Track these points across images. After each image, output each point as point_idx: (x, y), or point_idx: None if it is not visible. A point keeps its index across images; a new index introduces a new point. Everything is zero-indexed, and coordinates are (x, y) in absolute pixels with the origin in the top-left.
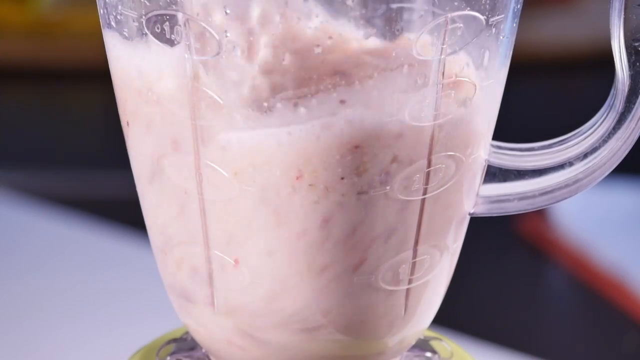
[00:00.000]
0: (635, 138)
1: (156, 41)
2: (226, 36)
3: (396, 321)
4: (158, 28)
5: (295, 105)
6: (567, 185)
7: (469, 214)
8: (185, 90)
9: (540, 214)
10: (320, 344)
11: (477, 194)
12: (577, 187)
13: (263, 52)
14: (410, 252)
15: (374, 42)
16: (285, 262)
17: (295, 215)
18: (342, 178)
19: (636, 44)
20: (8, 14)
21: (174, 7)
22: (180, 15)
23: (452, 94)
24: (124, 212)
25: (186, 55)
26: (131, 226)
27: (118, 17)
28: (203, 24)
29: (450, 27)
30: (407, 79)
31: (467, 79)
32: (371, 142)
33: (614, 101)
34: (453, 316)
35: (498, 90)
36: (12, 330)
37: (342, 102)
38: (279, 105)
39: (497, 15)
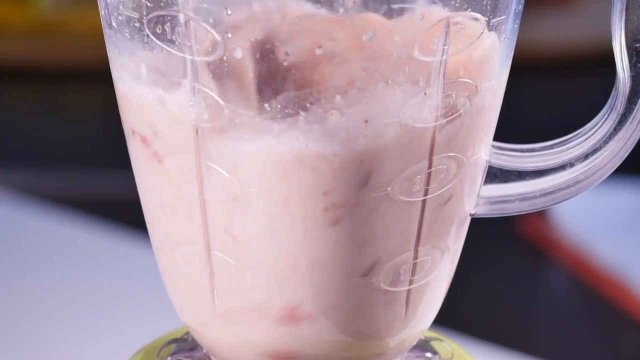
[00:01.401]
0: (636, 139)
1: (157, 42)
2: (227, 37)
3: (397, 322)
4: (159, 29)
5: (297, 106)
6: (568, 186)
7: (470, 214)
8: (186, 91)
9: (540, 215)
10: (320, 345)
11: (478, 195)
12: (578, 188)
13: (264, 53)
14: (411, 253)
15: (376, 43)
16: (285, 263)
17: (296, 217)
18: (343, 179)
19: (637, 45)
20: (8, 14)
21: (175, 8)
22: (181, 16)
23: (453, 95)
24: (124, 212)
25: (187, 56)
26: (131, 226)
27: (119, 17)
28: (204, 25)
29: (451, 28)
30: (408, 80)
31: (468, 80)
32: (372, 143)
33: (615, 102)
34: (454, 317)
35: (499, 91)
36: (12, 330)
37: (343, 103)
38: (280, 106)
39: (499, 17)
